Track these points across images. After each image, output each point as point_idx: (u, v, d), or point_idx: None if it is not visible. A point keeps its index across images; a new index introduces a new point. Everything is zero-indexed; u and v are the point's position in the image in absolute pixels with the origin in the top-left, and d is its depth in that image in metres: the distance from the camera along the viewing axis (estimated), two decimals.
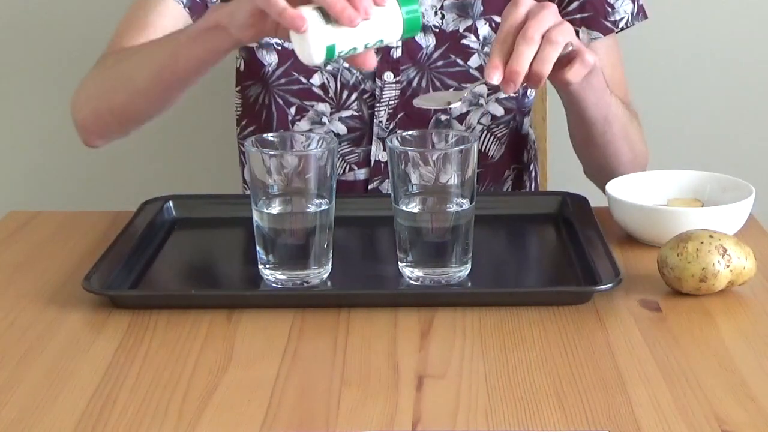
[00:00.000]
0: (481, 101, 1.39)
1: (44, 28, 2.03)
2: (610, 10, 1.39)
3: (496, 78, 1.10)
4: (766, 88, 2.00)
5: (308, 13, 1.01)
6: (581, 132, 1.32)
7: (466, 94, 1.09)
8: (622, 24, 1.40)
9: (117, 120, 1.31)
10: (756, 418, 0.84)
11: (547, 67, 1.10)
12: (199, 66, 1.19)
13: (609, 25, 1.40)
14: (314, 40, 1.00)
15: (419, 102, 1.19)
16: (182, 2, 1.34)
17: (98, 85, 1.31)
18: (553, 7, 1.13)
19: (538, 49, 1.10)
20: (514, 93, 1.10)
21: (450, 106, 1.09)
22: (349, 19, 1.00)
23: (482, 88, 1.37)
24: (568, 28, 1.12)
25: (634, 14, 1.41)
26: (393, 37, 1.04)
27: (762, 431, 0.83)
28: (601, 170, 1.37)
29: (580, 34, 1.39)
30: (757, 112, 2.01)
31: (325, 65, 0.99)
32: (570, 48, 1.13)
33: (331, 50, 1.01)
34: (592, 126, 1.29)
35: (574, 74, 1.15)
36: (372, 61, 1.07)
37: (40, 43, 2.03)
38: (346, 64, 1.37)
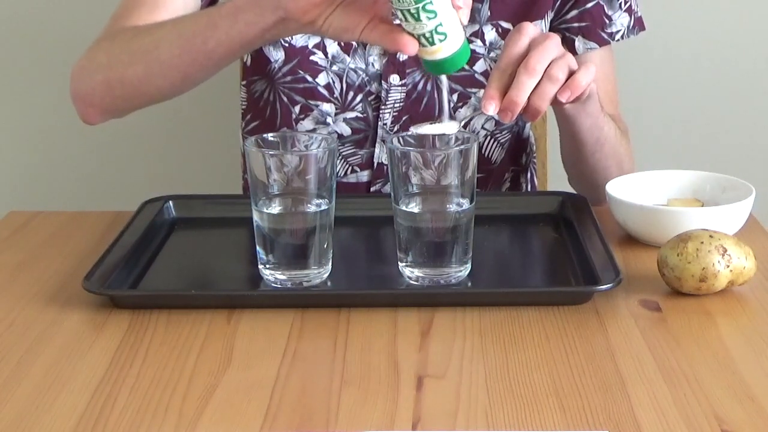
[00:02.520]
0: None
1: (44, 28, 2.03)
2: (607, 21, 1.40)
3: (491, 109, 1.10)
4: (765, 88, 2.00)
5: None
6: (572, 150, 1.34)
7: (461, 125, 1.09)
8: (618, 36, 1.41)
9: (127, 94, 1.25)
10: (756, 418, 0.84)
11: (545, 104, 1.12)
12: (234, 42, 1.13)
13: (605, 36, 1.40)
14: None
15: (416, 129, 1.18)
16: None
17: (111, 55, 1.25)
18: (556, 38, 1.13)
19: (539, 84, 1.10)
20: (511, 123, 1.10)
21: (447, 133, 1.09)
22: None
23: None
24: (570, 60, 1.13)
25: (630, 27, 1.42)
26: (451, 46, 1.03)
27: (762, 431, 0.83)
28: (586, 183, 1.38)
29: (576, 43, 1.39)
30: (757, 113, 2.01)
31: (412, 4, 0.96)
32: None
33: None
34: (583, 146, 1.30)
35: (566, 94, 1.15)
36: (412, 46, 1.02)
37: (41, 42, 2.03)
38: (352, 65, 1.37)
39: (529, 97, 1.11)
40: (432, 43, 1.02)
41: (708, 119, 2.02)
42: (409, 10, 1.00)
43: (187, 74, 1.20)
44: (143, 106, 1.28)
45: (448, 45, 1.03)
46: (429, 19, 1.01)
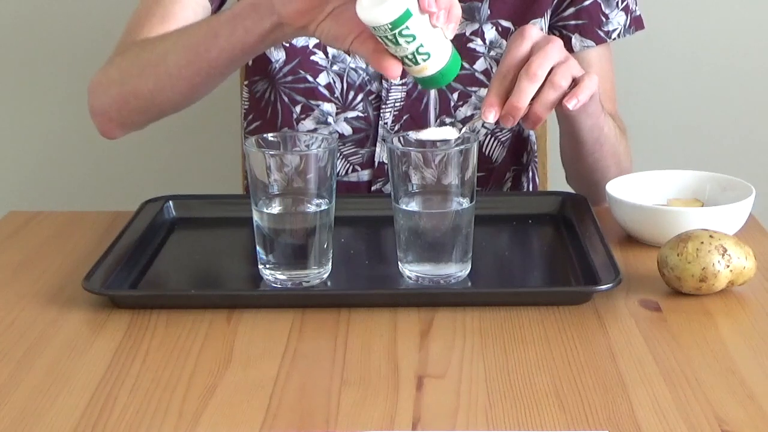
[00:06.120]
0: None
1: (44, 28, 2.03)
2: (604, 20, 1.40)
3: (491, 116, 1.09)
4: (765, 88, 2.00)
5: None
6: (571, 149, 1.33)
7: (463, 130, 1.08)
8: (614, 35, 1.41)
9: (141, 107, 1.27)
10: (756, 418, 0.84)
11: (546, 111, 1.10)
12: (236, 49, 1.15)
13: (602, 35, 1.40)
14: None
15: (416, 135, 1.17)
16: None
17: (124, 69, 1.27)
18: (559, 42, 1.12)
19: (540, 89, 1.09)
20: (513, 127, 1.09)
21: (447, 139, 1.09)
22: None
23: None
24: (573, 64, 1.12)
25: (627, 26, 1.42)
26: (436, 63, 1.02)
27: (762, 431, 0.83)
28: (584, 182, 1.38)
29: (573, 41, 1.39)
30: (757, 112, 2.01)
31: (388, 31, 0.96)
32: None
33: (405, 16, 0.98)
34: (583, 146, 1.30)
35: (573, 102, 1.14)
36: (395, 70, 1.03)
37: (41, 42, 2.03)
38: (353, 65, 1.37)
39: (530, 104, 1.10)
40: (416, 63, 1.02)
41: (708, 119, 2.02)
42: (386, 36, 1.00)
43: (194, 84, 1.22)
44: (157, 119, 1.30)
45: (434, 62, 1.02)
46: (408, 42, 1.00)
